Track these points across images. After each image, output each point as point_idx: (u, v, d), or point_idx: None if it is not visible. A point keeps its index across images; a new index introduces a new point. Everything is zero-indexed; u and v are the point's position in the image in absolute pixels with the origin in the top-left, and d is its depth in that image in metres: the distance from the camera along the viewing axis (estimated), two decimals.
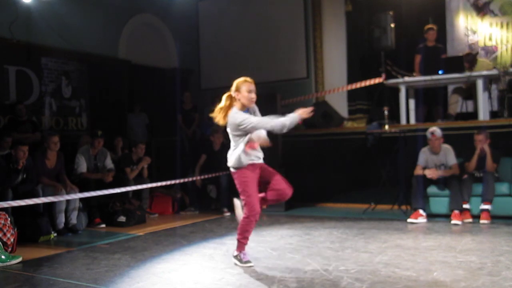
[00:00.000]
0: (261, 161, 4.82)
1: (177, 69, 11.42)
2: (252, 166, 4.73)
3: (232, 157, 4.74)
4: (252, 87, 4.73)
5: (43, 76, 9.01)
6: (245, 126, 4.60)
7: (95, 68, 9.82)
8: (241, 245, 4.80)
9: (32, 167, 6.64)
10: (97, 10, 9.77)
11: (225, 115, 4.75)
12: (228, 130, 4.77)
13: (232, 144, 4.78)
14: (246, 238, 4.79)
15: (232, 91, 4.76)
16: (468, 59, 8.58)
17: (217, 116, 4.79)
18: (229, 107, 4.76)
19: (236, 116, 4.66)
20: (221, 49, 11.64)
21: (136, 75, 10.65)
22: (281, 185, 4.84)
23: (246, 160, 4.69)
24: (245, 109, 4.75)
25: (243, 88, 4.71)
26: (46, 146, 7.02)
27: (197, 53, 12.15)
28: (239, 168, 4.73)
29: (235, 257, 4.82)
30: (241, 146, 4.69)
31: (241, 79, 4.77)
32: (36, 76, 8.89)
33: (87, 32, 9.54)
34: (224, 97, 4.82)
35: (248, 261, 4.75)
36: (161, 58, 11.38)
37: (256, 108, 4.89)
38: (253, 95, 4.72)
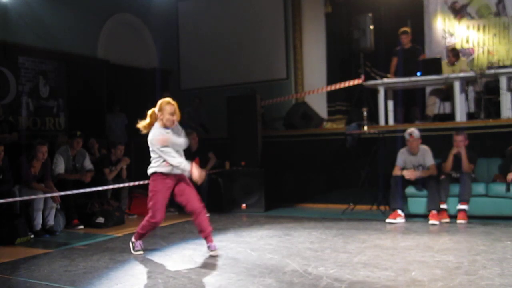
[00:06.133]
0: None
1: (157, 69, 11.37)
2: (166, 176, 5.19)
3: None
4: (174, 109, 5.12)
5: (20, 76, 8.88)
6: (154, 147, 5.09)
7: (73, 68, 9.72)
8: (138, 235, 5.39)
9: (9, 167, 6.54)
10: (75, 9, 9.66)
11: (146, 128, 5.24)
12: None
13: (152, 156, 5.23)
14: (144, 235, 5.41)
15: (156, 110, 5.14)
16: (454, 54, 8.75)
17: (143, 129, 5.25)
18: (151, 124, 5.21)
19: (154, 132, 5.12)
20: (201, 49, 11.62)
21: (115, 75, 10.56)
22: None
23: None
24: (166, 127, 5.13)
25: (166, 109, 5.10)
26: (33, 154, 6.88)
27: (176, 53, 12.11)
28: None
29: (132, 243, 5.43)
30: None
31: (165, 100, 5.18)
32: (13, 76, 8.77)
33: (65, 31, 9.44)
34: (149, 112, 5.22)
35: (139, 250, 5.38)
36: (141, 58, 11.31)
37: (180, 129, 5.25)
38: (174, 117, 5.13)
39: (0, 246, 5.98)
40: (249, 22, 11.19)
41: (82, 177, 7.55)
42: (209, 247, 5.24)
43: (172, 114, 5.09)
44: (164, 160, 5.10)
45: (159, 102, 5.15)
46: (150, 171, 5.24)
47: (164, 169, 5.14)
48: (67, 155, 7.65)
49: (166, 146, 5.06)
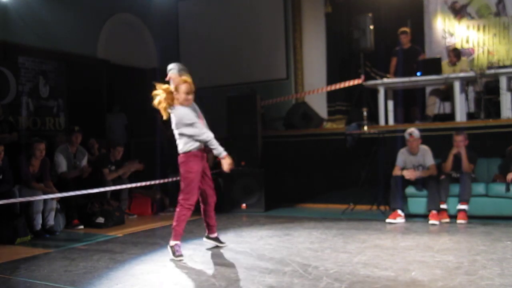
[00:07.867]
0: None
1: (157, 69, 11.34)
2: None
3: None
4: (191, 88, 4.85)
5: (20, 76, 8.88)
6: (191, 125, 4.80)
7: (73, 68, 9.71)
8: (176, 233, 5.04)
9: (9, 167, 6.54)
10: (75, 9, 9.66)
11: (166, 108, 4.90)
12: (174, 125, 4.93)
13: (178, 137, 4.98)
14: (181, 230, 5.08)
15: (172, 87, 4.86)
16: (455, 54, 8.77)
17: (159, 107, 4.91)
18: (169, 100, 4.87)
19: (183, 114, 4.84)
20: (201, 49, 11.61)
21: (115, 75, 10.56)
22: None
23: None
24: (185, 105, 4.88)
25: (181, 88, 4.84)
26: (31, 153, 6.87)
27: (176, 53, 12.10)
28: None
29: (171, 247, 5.05)
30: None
31: (182, 78, 4.86)
32: (13, 75, 8.77)
33: (65, 31, 9.44)
34: (163, 88, 4.89)
35: (180, 255, 4.98)
36: (141, 58, 11.30)
37: (196, 106, 5.02)
38: (190, 97, 4.85)
39: (0, 246, 5.99)
40: (249, 22, 11.18)
41: (81, 173, 7.56)
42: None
43: (188, 93, 4.83)
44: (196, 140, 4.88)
45: (176, 79, 4.91)
46: (184, 149, 5.00)
47: (198, 144, 4.93)
48: (67, 152, 7.65)
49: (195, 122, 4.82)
